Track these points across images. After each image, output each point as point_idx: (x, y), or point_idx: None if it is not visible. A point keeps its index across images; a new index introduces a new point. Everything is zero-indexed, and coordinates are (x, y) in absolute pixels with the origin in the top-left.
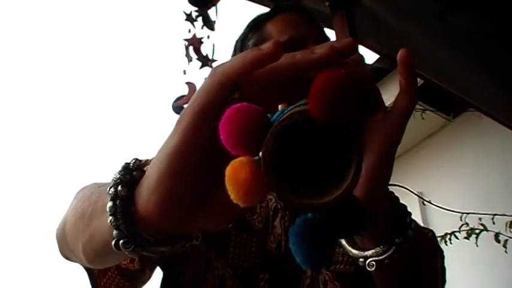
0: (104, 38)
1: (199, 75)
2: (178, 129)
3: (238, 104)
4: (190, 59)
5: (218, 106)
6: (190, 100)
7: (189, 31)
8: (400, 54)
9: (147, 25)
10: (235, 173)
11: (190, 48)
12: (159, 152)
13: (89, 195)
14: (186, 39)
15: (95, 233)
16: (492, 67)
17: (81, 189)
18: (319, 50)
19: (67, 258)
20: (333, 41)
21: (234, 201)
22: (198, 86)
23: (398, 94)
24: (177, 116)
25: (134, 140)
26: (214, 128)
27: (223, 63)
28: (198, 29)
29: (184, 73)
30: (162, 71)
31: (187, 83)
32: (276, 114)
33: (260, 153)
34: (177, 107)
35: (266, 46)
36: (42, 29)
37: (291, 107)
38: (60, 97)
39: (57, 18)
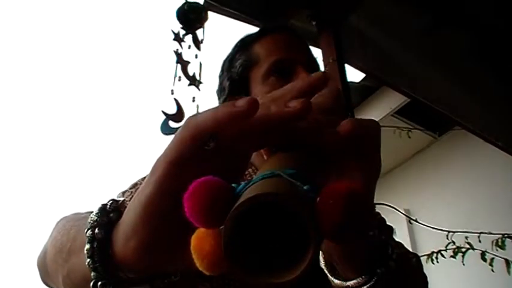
0: (93, 51)
1: (188, 94)
2: (151, 180)
3: (202, 178)
4: (178, 79)
5: (190, 158)
6: (164, 150)
7: (177, 51)
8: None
9: (133, 43)
10: (199, 243)
11: (178, 67)
12: (134, 199)
13: (69, 228)
14: (177, 56)
15: (74, 269)
16: (478, 85)
17: (61, 219)
18: (293, 104)
19: (48, 286)
20: (308, 96)
21: (200, 269)
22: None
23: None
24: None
25: (124, 150)
26: (187, 178)
27: (197, 115)
28: (186, 49)
29: (172, 93)
30: (149, 87)
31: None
32: (241, 186)
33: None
34: (166, 127)
35: (241, 103)
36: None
37: (257, 178)
38: (48, 107)
39: (52, 23)
